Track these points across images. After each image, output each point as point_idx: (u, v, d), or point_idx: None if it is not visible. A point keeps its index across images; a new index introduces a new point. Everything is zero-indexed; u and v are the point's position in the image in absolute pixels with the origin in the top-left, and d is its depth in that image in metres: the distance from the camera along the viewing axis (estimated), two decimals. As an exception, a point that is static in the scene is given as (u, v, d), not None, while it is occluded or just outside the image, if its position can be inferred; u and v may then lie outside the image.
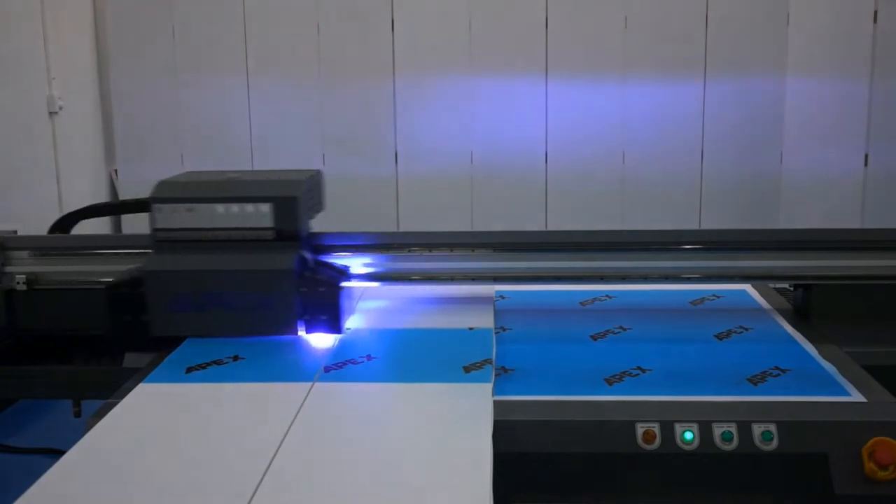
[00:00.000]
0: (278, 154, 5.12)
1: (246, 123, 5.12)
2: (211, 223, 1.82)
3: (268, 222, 1.81)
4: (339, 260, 1.94)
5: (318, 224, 1.98)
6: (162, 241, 1.83)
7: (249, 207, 1.81)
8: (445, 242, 1.99)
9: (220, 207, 1.82)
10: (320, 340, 1.81)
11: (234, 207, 1.82)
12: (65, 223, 2.26)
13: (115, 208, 2.32)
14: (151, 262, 1.81)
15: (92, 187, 5.24)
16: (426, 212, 5.06)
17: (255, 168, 5.12)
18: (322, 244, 1.94)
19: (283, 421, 1.43)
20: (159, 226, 1.84)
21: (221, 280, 1.77)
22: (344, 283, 1.85)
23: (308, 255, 1.85)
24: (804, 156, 4.98)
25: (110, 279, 1.85)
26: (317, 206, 1.99)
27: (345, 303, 1.84)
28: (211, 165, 5.14)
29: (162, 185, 1.89)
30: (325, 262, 1.91)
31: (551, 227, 5.02)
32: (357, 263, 1.95)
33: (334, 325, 1.81)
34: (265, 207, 1.81)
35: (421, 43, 5.00)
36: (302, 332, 1.81)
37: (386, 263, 1.97)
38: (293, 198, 1.82)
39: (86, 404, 1.99)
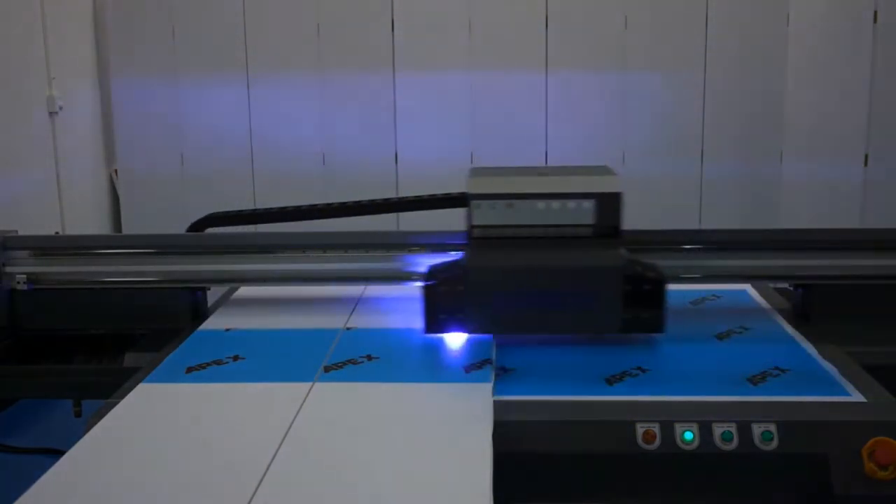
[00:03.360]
0: (278, 154, 5.11)
1: (246, 123, 5.12)
2: (531, 220, 1.78)
3: (589, 219, 1.78)
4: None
5: (319, 225, 1.98)
6: (479, 237, 1.78)
7: (571, 204, 1.78)
8: (445, 242, 1.99)
9: (540, 204, 1.78)
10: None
11: (555, 204, 1.78)
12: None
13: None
14: (472, 258, 1.76)
15: (92, 187, 5.24)
16: (426, 211, 5.05)
17: (256, 168, 5.12)
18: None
19: (283, 421, 1.43)
20: (476, 222, 1.79)
21: (546, 277, 1.73)
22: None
23: (626, 253, 1.79)
24: (804, 156, 4.98)
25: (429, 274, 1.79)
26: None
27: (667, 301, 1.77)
28: (211, 165, 5.15)
29: (476, 181, 1.82)
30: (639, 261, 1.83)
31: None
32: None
33: (657, 324, 1.75)
34: (587, 204, 1.78)
35: (421, 43, 5.00)
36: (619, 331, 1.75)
37: None
38: (615, 194, 1.78)
39: (86, 404, 1.99)
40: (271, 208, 2.23)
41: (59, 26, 4.79)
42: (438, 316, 1.75)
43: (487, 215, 1.78)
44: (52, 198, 4.69)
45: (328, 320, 1.95)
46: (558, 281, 1.72)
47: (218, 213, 2.23)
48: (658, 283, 1.73)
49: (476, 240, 1.79)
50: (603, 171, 1.88)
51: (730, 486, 1.45)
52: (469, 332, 1.76)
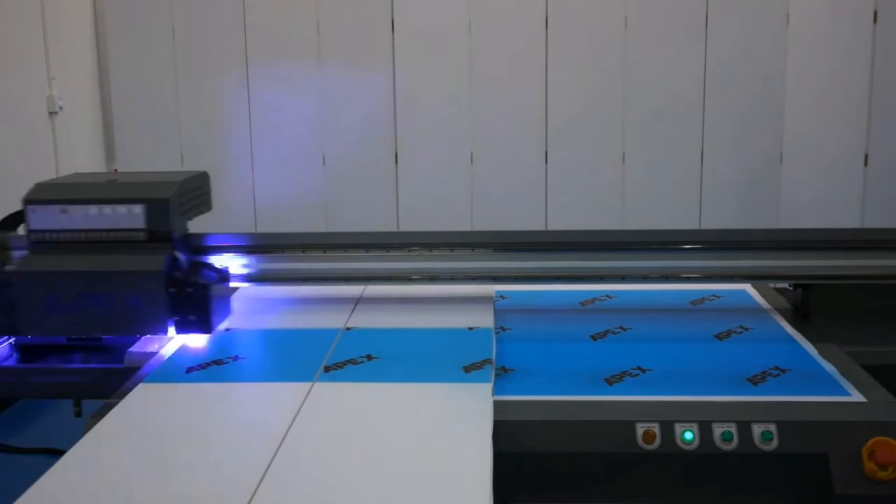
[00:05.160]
0: (278, 154, 5.11)
1: (246, 123, 5.12)
2: (84, 224, 1.85)
3: (140, 223, 1.85)
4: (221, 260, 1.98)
5: (319, 225, 1.98)
6: (37, 242, 1.86)
7: (122, 209, 1.84)
8: (446, 242, 1.99)
9: (93, 209, 1.85)
10: (192, 340, 1.84)
11: (108, 209, 1.85)
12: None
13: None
14: (25, 262, 1.85)
15: (92, 187, 5.24)
16: (426, 211, 5.06)
17: (256, 168, 5.12)
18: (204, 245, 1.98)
19: (282, 421, 1.43)
20: (34, 227, 1.87)
21: (92, 281, 1.80)
22: (217, 284, 1.88)
23: (182, 256, 1.88)
24: (804, 155, 4.97)
25: None
26: (200, 206, 2.02)
27: (216, 303, 1.87)
28: (211, 165, 5.13)
29: (38, 187, 1.93)
30: (205, 263, 1.94)
31: (551, 227, 5.02)
32: (236, 264, 1.99)
33: (204, 326, 1.83)
34: (138, 209, 1.84)
35: (421, 43, 4.99)
36: (172, 333, 1.83)
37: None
38: (164, 200, 1.84)
39: (86, 404, 1.99)
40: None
41: (59, 26, 4.78)
42: None
43: (42, 220, 1.87)
44: (52, 198, 4.68)
45: (328, 320, 1.95)
46: (105, 284, 1.81)
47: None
48: (202, 287, 1.82)
49: (34, 244, 1.87)
50: (167, 176, 1.95)
51: (730, 486, 1.45)
52: (22, 333, 1.86)
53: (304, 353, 1.74)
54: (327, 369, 1.66)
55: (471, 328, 1.86)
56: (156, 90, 5.13)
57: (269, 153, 5.13)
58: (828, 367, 1.67)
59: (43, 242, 1.86)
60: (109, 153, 5.36)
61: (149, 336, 1.87)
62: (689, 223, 4.96)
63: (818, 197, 4.95)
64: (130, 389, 1.59)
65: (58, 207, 1.86)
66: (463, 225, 5.01)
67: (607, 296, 2.15)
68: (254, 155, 5.14)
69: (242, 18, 5.02)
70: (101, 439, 1.41)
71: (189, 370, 1.67)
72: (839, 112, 4.93)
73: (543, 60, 4.97)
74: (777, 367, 1.67)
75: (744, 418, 1.45)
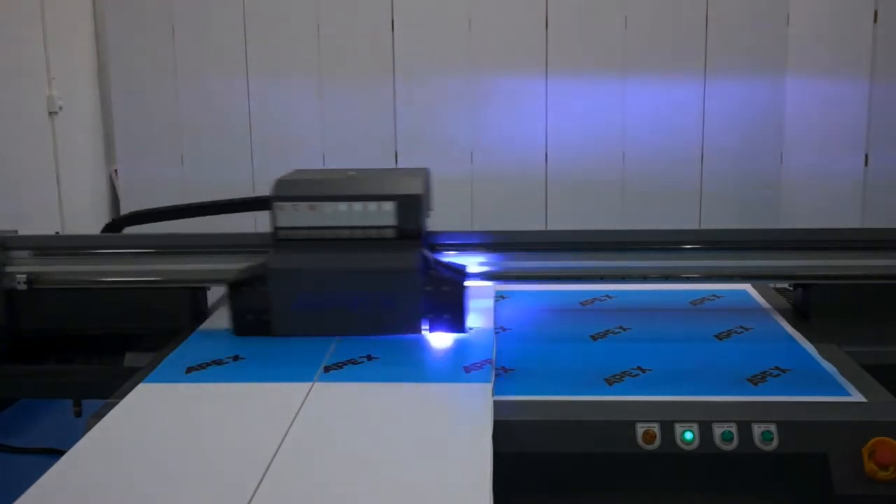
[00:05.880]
0: (278, 154, 5.11)
1: (246, 123, 5.12)
2: (333, 222, 1.81)
3: (391, 221, 1.80)
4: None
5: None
6: (283, 239, 1.81)
7: (373, 206, 1.80)
8: (446, 243, 1.99)
9: (342, 206, 1.81)
10: (441, 340, 1.80)
11: (358, 206, 1.80)
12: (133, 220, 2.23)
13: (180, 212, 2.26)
14: (273, 260, 1.79)
15: (92, 187, 5.24)
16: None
17: (256, 168, 5.12)
18: (438, 243, 1.93)
19: (283, 421, 1.43)
20: (281, 224, 1.81)
21: (346, 279, 1.76)
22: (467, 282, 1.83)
23: (429, 254, 1.84)
24: (804, 156, 4.97)
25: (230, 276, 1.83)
26: (430, 204, 1.98)
27: (467, 302, 1.82)
28: (211, 165, 5.15)
29: (282, 183, 1.86)
30: (443, 262, 1.88)
31: (551, 227, 5.02)
32: (472, 262, 1.94)
33: (458, 325, 1.79)
34: (388, 206, 1.80)
35: (421, 43, 4.99)
36: (426, 331, 1.80)
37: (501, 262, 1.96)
38: (416, 196, 1.81)
39: (86, 404, 1.99)
40: (191, 203, 2.24)
41: (59, 26, 4.78)
42: (247, 317, 1.80)
43: (290, 217, 1.82)
44: (52, 198, 4.69)
45: None
46: (360, 282, 1.77)
47: (136, 211, 2.25)
48: (457, 285, 1.78)
49: (281, 241, 1.82)
50: (409, 173, 1.91)
51: (730, 486, 1.45)
52: (274, 333, 1.80)
53: (304, 353, 1.74)
54: (327, 369, 1.66)
55: (471, 328, 1.86)
56: (156, 90, 5.13)
57: (269, 153, 5.13)
58: (828, 367, 1.67)
59: (289, 240, 1.81)
60: (109, 153, 5.36)
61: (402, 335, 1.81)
62: (689, 223, 4.96)
63: (818, 197, 4.95)
64: (130, 389, 1.59)
65: (306, 205, 1.81)
66: (463, 225, 5.02)
67: (607, 296, 2.15)
68: (254, 155, 5.14)
69: (242, 18, 5.02)
70: (101, 439, 1.41)
71: (189, 370, 1.67)
72: (839, 112, 4.93)
73: (543, 60, 4.97)
74: (777, 367, 1.67)
75: (744, 418, 1.45)
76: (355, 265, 1.77)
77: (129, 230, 2.25)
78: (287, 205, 1.81)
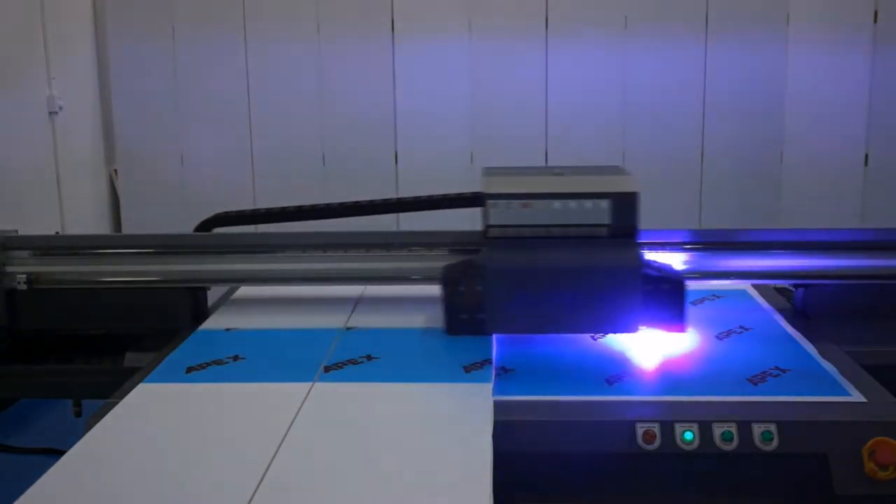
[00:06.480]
0: (278, 154, 5.11)
1: (245, 123, 5.11)
2: (547, 220, 1.78)
3: (605, 219, 1.78)
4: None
5: (318, 224, 1.97)
6: (494, 237, 1.79)
7: (588, 204, 1.78)
8: (445, 242, 1.99)
9: (556, 203, 1.78)
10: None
11: (572, 204, 1.78)
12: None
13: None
14: (489, 258, 1.76)
15: (92, 187, 5.24)
16: (426, 211, 5.05)
17: (256, 168, 5.12)
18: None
19: (282, 421, 1.43)
20: (493, 222, 1.79)
21: (566, 277, 1.73)
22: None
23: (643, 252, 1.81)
24: (804, 155, 4.97)
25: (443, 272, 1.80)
26: None
27: (686, 300, 1.79)
28: (211, 166, 5.15)
29: (492, 181, 1.82)
30: (654, 261, 1.86)
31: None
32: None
33: (678, 323, 1.77)
34: (604, 204, 1.78)
35: (421, 42, 4.99)
36: (642, 330, 1.76)
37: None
38: (632, 193, 1.79)
39: (86, 404, 1.99)
40: (285, 207, 2.21)
41: (59, 26, 4.78)
42: (460, 316, 1.77)
43: (504, 215, 1.78)
44: (52, 198, 4.69)
45: (328, 320, 1.95)
46: (578, 281, 1.72)
47: (226, 212, 2.22)
48: (677, 283, 1.74)
49: (492, 239, 1.78)
50: (617, 171, 1.87)
51: (730, 486, 1.45)
52: (488, 332, 1.77)
53: (304, 353, 1.74)
54: (327, 369, 1.66)
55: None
56: (156, 91, 5.13)
57: (270, 153, 5.13)
58: (828, 367, 1.67)
59: (501, 238, 1.78)
60: (109, 153, 5.36)
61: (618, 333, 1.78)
62: (689, 223, 4.96)
63: (818, 197, 4.95)
64: (130, 389, 1.59)
65: (519, 202, 1.78)
66: (463, 225, 5.01)
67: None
68: (254, 155, 5.14)
69: (242, 19, 5.02)
70: (101, 439, 1.41)
71: (189, 370, 1.67)
72: (839, 112, 4.93)
73: (543, 60, 4.97)
74: (777, 367, 1.67)
75: (744, 418, 1.45)
76: (576, 263, 1.74)
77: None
78: (500, 202, 1.78)
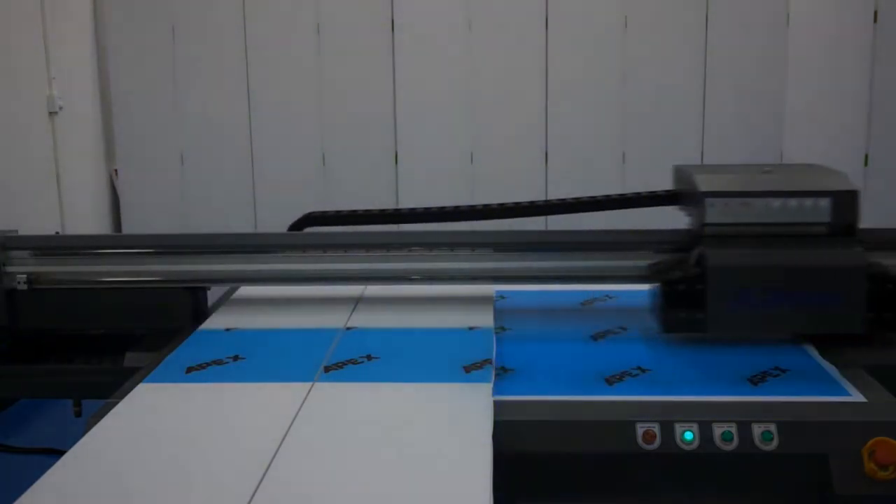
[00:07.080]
0: (278, 154, 5.11)
1: (246, 123, 5.12)
2: (765, 218, 1.77)
3: (825, 217, 1.76)
4: None
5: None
6: (711, 235, 1.77)
7: (808, 202, 1.76)
8: (445, 242, 1.99)
9: (776, 202, 1.77)
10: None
11: (792, 202, 1.77)
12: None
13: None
14: (712, 256, 1.74)
15: (92, 187, 5.24)
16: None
17: (256, 168, 5.12)
18: None
19: (283, 421, 1.43)
20: (711, 220, 1.78)
21: (790, 276, 1.72)
22: None
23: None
24: (804, 156, 4.97)
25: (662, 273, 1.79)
26: None
27: None
28: (211, 165, 5.15)
29: (707, 178, 1.82)
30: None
31: (551, 227, 5.02)
32: None
33: None
34: (824, 202, 1.76)
35: (421, 43, 4.99)
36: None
37: None
38: (852, 192, 1.77)
39: (86, 404, 1.99)
40: (385, 209, 2.20)
41: (59, 26, 4.78)
42: (678, 314, 1.76)
43: (721, 213, 1.78)
44: (52, 198, 4.69)
45: (328, 320, 1.95)
46: (804, 280, 1.71)
47: (316, 212, 2.20)
48: None
49: (710, 238, 1.78)
50: (826, 169, 1.87)
51: (730, 486, 1.45)
52: (708, 331, 1.75)
53: (304, 353, 1.74)
54: (327, 369, 1.66)
55: (471, 328, 1.86)
56: (156, 90, 5.13)
57: (269, 153, 5.13)
58: (828, 367, 1.67)
59: (718, 237, 1.77)
60: (109, 153, 5.36)
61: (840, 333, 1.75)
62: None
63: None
64: (130, 389, 1.59)
65: (738, 201, 1.77)
66: (463, 225, 5.01)
67: (607, 296, 2.15)
68: (254, 155, 5.14)
69: (242, 18, 5.02)
70: (101, 439, 1.41)
71: (189, 370, 1.67)
72: (839, 112, 4.93)
73: (543, 60, 4.97)
74: (777, 367, 1.67)
75: (744, 418, 1.45)
76: (801, 262, 1.73)
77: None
78: (718, 201, 1.77)
